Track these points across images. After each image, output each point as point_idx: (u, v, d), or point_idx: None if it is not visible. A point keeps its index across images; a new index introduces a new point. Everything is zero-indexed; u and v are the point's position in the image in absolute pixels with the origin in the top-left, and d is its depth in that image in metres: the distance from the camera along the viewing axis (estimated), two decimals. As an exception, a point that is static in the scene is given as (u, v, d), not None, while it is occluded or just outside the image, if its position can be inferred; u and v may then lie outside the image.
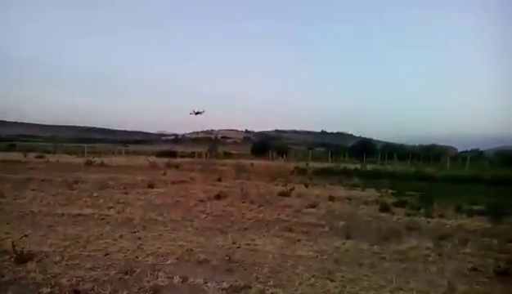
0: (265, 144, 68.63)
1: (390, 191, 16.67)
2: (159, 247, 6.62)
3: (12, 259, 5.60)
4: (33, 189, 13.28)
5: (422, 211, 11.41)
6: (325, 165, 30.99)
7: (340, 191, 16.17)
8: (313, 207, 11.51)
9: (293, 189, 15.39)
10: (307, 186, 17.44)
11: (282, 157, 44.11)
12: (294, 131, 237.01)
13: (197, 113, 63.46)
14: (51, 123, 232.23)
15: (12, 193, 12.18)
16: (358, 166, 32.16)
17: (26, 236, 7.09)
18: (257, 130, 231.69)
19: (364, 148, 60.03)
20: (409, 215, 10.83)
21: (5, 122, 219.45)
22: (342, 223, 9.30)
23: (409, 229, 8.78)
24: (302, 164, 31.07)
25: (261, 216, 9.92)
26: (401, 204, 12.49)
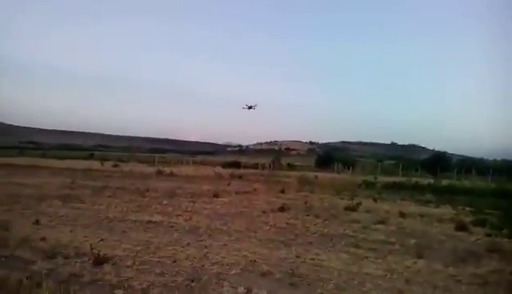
0: (330, 156, 67.06)
1: (468, 209, 15.38)
2: (223, 257, 6.71)
3: (90, 261, 6.00)
4: (109, 196, 14.25)
5: (505, 231, 10.36)
6: (396, 179, 29.51)
7: (412, 207, 15.26)
8: (382, 223, 10.98)
9: (360, 203, 14.84)
10: (375, 201, 16.73)
11: (348, 169, 42.85)
12: (361, 143, 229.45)
13: (250, 108, 66.82)
14: (125, 134, 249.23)
15: (91, 199, 13.19)
16: (432, 181, 30.23)
17: (102, 240, 7.58)
18: (321, 141, 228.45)
19: (438, 161, 56.20)
20: (489, 235, 9.88)
21: (85, 133, 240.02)
22: (413, 241, 8.73)
23: (489, 251, 7.99)
24: (370, 177, 29.92)
25: (326, 230, 9.67)
26: (481, 223, 11.44)
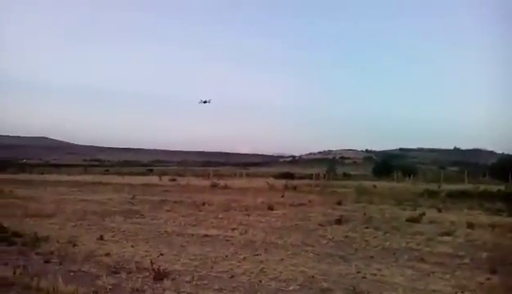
0: (388, 164, 64.36)
1: (547, 218, 13.96)
2: (280, 272, 6.58)
3: (151, 276, 6.13)
4: (167, 210, 14.69)
5: None
6: (461, 187, 27.65)
7: (481, 217, 14.14)
8: (448, 234, 10.26)
9: (423, 214, 14.01)
10: (440, 211, 15.71)
11: (408, 178, 40.84)
12: (421, 149, 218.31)
13: (204, 102, 68.74)
14: (181, 149, 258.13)
15: (150, 214, 13.68)
16: (502, 187, 27.95)
17: (162, 255, 7.75)
18: (378, 149, 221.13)
19: (509, 166, 51.92)
20: None
21: (143, 149, 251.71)
22: (485, 254, 8.04)
23: None
24: (432, 186, 28.25)
25: (387, 243, 9.20)
26: None
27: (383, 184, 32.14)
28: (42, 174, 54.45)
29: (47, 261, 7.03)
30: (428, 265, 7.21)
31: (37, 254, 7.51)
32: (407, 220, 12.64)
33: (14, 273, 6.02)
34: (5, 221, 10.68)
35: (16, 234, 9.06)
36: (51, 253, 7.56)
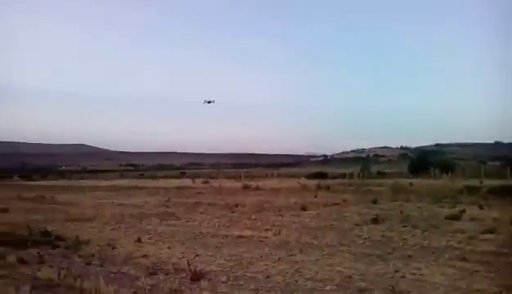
0: (425, 161, 62.05)
1: None
2: (316, 272, 6.51)
3: (188, 277, 6.22)
4: (201, 212, 14.89)
5: None
6: (503, 182, 26.37)
7: (526, 213, 13.44)
8: (491, 232, 9.80)
9: (463, 211, 13.47)
10: (481, 208, 15.04)
11: (446, 174, 39.35)
12: (460, 144, 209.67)
13: (209, 102, 69.00)
14: (213, 152, 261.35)
15: (185, 216, 13.92)
16: (549, 182, 26.46)
17: (198, 256, 7.86)
18: (414, 145, 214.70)
19: (557, 160, 49.07)
20: None
21: (176, 153, 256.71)
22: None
23: None
24: (472, 182, 27.11)
25: (426, 242, 8.91)
26: None
27: (419, 182, 31.17)
28: (81, 180, 56.59)
29: (88, 263, 7.29)
30: (471, 264, 6.94)
31: (79, 256, 7.81)
32: (447, 218, 12.20)
33: (59, 275, 6.27)
34: (48, 226, 11.20)
35: (59, 238, 9.45)
36: (92, 255, 7.83)
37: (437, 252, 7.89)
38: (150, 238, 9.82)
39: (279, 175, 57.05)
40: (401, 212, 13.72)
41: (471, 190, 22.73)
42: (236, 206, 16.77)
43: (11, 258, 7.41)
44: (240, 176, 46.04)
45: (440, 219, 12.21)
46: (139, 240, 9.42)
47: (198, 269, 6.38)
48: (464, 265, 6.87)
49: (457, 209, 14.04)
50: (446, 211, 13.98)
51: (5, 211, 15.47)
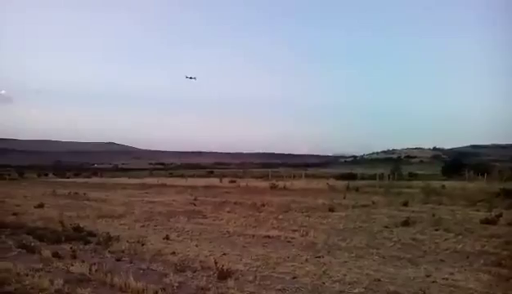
0: (459, 163, 60.08)
1: None
2: (344, 274, 6.40)
3: (215, 275, 6.25)
4: (228, 211, 14.94)
5: None
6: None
7: None
8: (530, 238, 9.34)
9: (500, 215, 12.89)
10: (518, 212, 14.38)
11: (482, 176, 37.87)
12: (497, 146, 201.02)
13: (191, 78, 68.96)
14: (240, 151, 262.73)
15: (212, 215, 14.02)
16: None
17: (225, 254, 7.89)
18: (447, 147, 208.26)
19: None
20: None
21: (204, 152, 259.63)
22: None
23: None
24: (510, 185, 25.95)
25: (460, 246, 8.60)
26: None
27: (453, 184, 30.19)
28: (112, 177, 58.16)
29: (118, 259, 7.45)
30: (507, 270, 6.64)
31: (109, 252, 7.99)
32: (482, 222, 11.71)
33: (90, 269, 6.46)
34: (81, 222, 11.57)
35: (91, 234, 9.72)
36: (122, 252, 8.00)
37: (471, 257, 7.60)
38: (178, 236, 9.95)
39: (307, 176, 56.61)
40: (434, 215, 13.30)
41: (508, 194, 21.72)
42: (263, 205, 16.75)
43: (46, 252, 7.69)
44: (268, 176, 46.03)
45: (475, 223, 11.75)
46: (167, 237, 9.56)
47: (225, 267, 6.40)
48: (500, 271, 6.59)
49: (493, 213, 13.45)
50: (482, 214, 13.44)
51: (41, 206, 16.08)
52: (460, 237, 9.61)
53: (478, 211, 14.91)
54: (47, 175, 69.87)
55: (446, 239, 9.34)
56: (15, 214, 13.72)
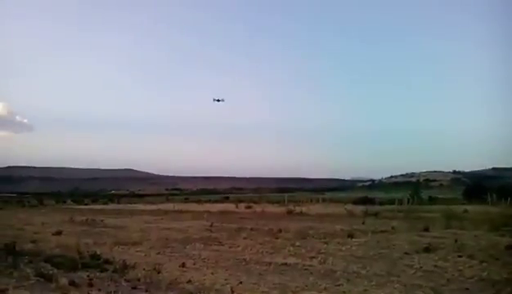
0: (481, 186, 58.62)
1: None
2: (365, 304, 6.18)
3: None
4: (244, 238, 14.77)
5: None
6: None
7: None
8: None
9: (525, 240, 12.42)
10: (545, 237, 13.81)
11: (506, 200, 36.70)
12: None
13: (218, 101, 67.47)
14: (256, 176, 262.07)
15: (228, 241, 13.85)
16: None
17: (241, 283, 7.74)
18: (468, 169, 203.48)
19: None
20: None
21: (220, 177, 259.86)
22: None
23: None
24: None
25: (485, 273, 8.27)
26: None
27: (475, 208, 29.36)
28: (129, 204, 58.53)
29: (134, 287, 7.38)
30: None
31: (125, 280, 7.93)
32: (507, 248, 11.27)
33: (106, 298, 6.41)
34: (98, 249, 11.56)
35: (107, 262, 9.70)
36: (138, 280, 7.93)
37: (497, 285, 7.29)
38: (194, 264, 9.84)
39: (324, 200, 55.99)
40: (456, 241, 12.86)
41: (534, 218, 20.97)
42: (280, 231, 16.51)
43: (63, 280, 7.69)
44: (284, 201, 45.65)
45: (500, 249, 11.31)
46: (183, 265, 9.47)
47: (241, 296, 6.28)
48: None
49: (519, 238, 12.97)
50: (507, 240, 12.93)
51: (58, 233, 16.20)
52: (485, 264, 9.25)
53: (502, 236, 14.37)
54: (65, 202, 70.73)
55: (470, 266, 9.01)
56: (33, 241, 13.84)
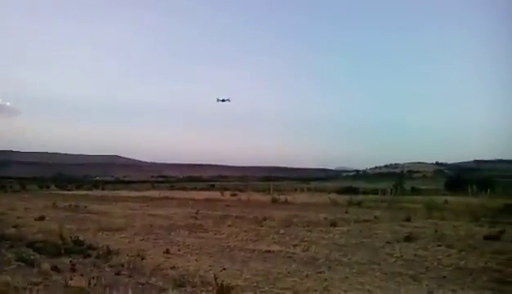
0: (462, 178, 59.93)
1: None
2: (345, 291, 6.34)
3: (214, 290, 6.18)
4: (229, 225, 14.84)
5: None
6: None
7: None
8: (534, 254, 9.22)
9: (503, 231, 12.76)
10: (523, 228, 14.22)
11: (486, 192, 37.58)
12: (500, 161, 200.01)
13: (223, 101, 67.33)
14: (242, 165, 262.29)
15: (213, 229, 13.91)
16: None
17: (225, 269, 7.82)
18: (450, 161, 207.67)
19: None
20: None
21: (205, 165, 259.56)
22: None
23: None
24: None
25: (462, 262, 8.50)
26: None
27: (456, 200, 29.97)
28: (114, 190, 58.03)
29: (118, 273, 7.38)
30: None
31: (109, 266, 7.93)
32: (485, 238, 11.59)
33: (89, 283, 6.40)
34: (81, 235, 11.49)
35: (91, 247, 9.67)
36: (122, 266, 7.93)
37: (474, 274, 7.51)
38: (178, 250, 9.87)
39: (309, 190, 56.40)
40: (436, 231, 13.18)
41: (512, 209, 21.56)
42: (265, 219, 16.64)
43: (45, 266, 7.64)
44: (269, 190, 45.84)
45: (478, 239, 11.63)
46: (167, 251, 9.50)
47: (224, 283, 6.33)
48: (505, 289, 6.54)
49: (497, 229, 13.34)
50: (485, 230, 13.33)
51: (41, 219, 16.04)
52: (463, 253, 9.50)
53: (481, 226, 14.77)
54: (48, 187, 69.82)
55: (448, 255, 9.24)
56: (15, 226, 13.67)
